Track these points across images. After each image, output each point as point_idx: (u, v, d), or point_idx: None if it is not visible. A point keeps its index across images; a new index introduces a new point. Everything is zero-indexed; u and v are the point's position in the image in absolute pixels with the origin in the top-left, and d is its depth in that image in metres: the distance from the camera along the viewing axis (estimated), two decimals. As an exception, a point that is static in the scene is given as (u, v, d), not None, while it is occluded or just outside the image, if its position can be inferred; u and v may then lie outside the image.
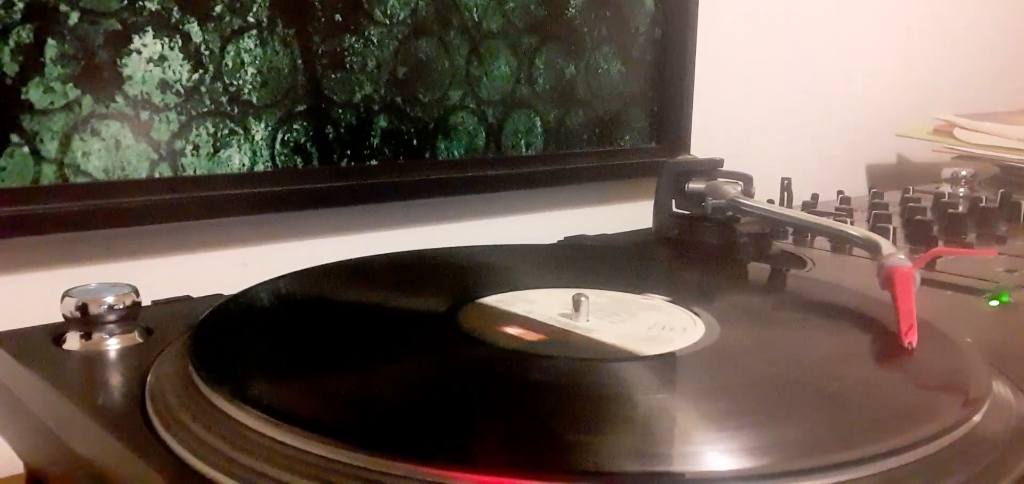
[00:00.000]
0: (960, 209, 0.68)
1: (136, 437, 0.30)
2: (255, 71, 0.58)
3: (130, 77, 0.53)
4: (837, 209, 0.69)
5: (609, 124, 0.76)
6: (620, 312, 0.40)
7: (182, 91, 0.55)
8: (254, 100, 0.58)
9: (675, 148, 0.79)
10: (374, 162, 0.64)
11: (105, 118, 0.53)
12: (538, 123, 0.72)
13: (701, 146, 0.81)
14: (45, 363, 0.36)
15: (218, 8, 0.56)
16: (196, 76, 0.56)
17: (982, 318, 0.46)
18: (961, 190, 0.80)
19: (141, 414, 0.32)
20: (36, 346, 0.38)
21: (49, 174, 0.51)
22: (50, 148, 0.51)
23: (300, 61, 0.59)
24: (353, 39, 0.61)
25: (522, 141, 0.71)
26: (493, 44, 0.68)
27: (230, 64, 0.57)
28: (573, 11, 0.72)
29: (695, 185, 0.58)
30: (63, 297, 0.39)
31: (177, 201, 0.55)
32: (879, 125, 1.03)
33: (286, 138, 0.59)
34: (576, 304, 0.39)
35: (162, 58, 0.54)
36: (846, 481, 0.26)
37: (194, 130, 0.56)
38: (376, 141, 0.63)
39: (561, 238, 0.61)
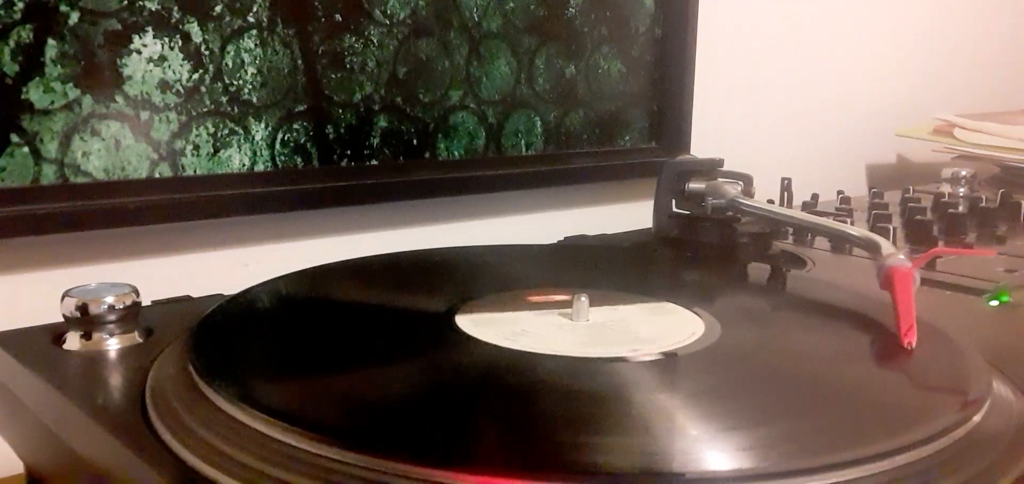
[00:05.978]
0: (960, 209, 0.68)
1: (136, 437, 0.30)
2: (255, 71, 0.58)
3: (130, 77, 0.53)
4: (837, 209, 0.69)
5: (609, 124, 0.76)
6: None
7: (182, 91, 0.55)
8: (254, 100, 0.58)
9: (675, 148, 0.79)
10: (374, 162, 0.64)
11: (105, 118, 0.53)
12: (538, 123, 0.72)
13: (701, 146, 0.81)
14: (45, 363, 0.36)
15: (218, 8, 0.56)
16: (196, 76, 0.56)
17: (982, 318, 0.46)
18: (961, 190, 0.80)
19: (141, 414, 0.32)
20: (36, 346, 0.38)
21: (49, 174, 0.51)
22: (50, 148, 0.51)
23: (300, 61, 0.59)
24: (353, 39, 0.61)
25: (522, 141, 0.71)
26: (493, 44, 0.68)
27: (230, 64, 0.57)
28: (573, 11, 0.72)
29: (695, 185, 0.58)
30: (63, 297, 0.39)
31: (177, 201, 0.55)
32: (879, 125, 1.03)
33: (286, 138, 0.59)
34: (575, 305, 0.39)
35: (162, 58, 0.54)
36: (846, 481, 0.26)
37: (194, 130, 0.56)
38: (376, 141, 0.63)
39: (561, 238, 0.61)
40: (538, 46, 0.71)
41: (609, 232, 0.63)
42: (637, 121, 0.78)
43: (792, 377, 0.35)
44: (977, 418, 0.30)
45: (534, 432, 0.29)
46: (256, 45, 0.57)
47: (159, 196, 0.55)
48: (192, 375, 0.32)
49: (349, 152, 0.62)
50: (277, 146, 0.59)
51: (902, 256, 0.42)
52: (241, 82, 0.57)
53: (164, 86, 0.55)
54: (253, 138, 0.58)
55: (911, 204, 0.70)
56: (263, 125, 0.58)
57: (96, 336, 0.38)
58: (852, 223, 0.60)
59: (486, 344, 0.36)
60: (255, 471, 0.27)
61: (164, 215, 0.55)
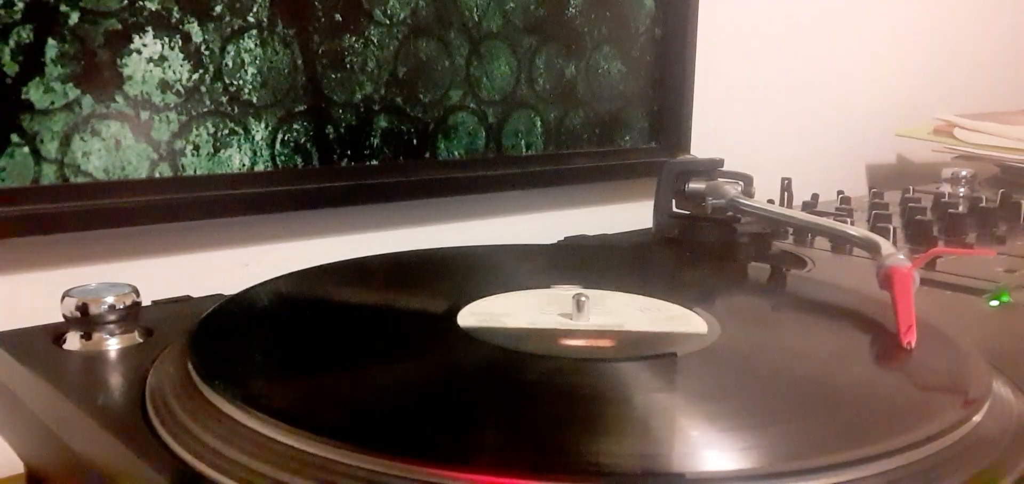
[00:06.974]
0: (960, 209, 0.68)
1: (136, 437, 0.30)
2: (255, 71, 0.58)
3: (130, 77, 0.53)
4: (837, 209, 0.69)
5: (609, 124, 0.76)
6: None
7: (182, 91, 0.55)
8: (254, 100, 0.58)
9: (675, 148, 0.79)
10: (374, 162, 0.64)
11: (105, 118, 0.53)
12: (538, 123, 0.72)
13: (701, 146, 0.81)
14: (45, 363, 0.36)
15: (218, 8, 0.56)
16: (196, 76, 0.56)
17: (982, 318, 0.46)
18: (961, 190, 0.80)
19: (141, 414, 0.32)
20: (36, 346, 0.38)
21: (49, 174, 0.51)
22: (50, 148, 0.51)
23: (300, 61, 0.59)
24: (353, 39, 0.61)
25: (522, 141, 0.71)
26: (493, 44, 0.68)
27: (230, 64, 0.57)
28: (573, 11, 0.72)
29: (695, 185, 0.58)
30: (63, 297, 0.39)
31: (177, 201, 0.55)
32: (879, 125, 1.03)
33: (286, 138, 0.59)
34: (577, 304, 0.39)
35: (162, 58, 0.54)
36: (846, 481, 0.26)
37: (194, 130, 0.56)
38: (376, 141, 0.63)
39: (561, 238, 0.61)
40: (538, 46, 0.71)
41: (609, 232, 0.63)
42: (637, 121, 0.78)
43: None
44: (977, 418, 0.30)
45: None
46: (256, 45, 0.57)
47: (159, 196, 0.55)
48: (192, 375, 0.32)
49: (349, 152, 0.62)
50: (277, 146, 0.59)
51: (902, 256, 0.42)
52: (241, 82, 0.57)
53: (164, 86, 0.55)
54: (253, 138, 0.58)
55: (911, 204, 0.70)
56: (263, 125, 0.58)
57: (96, 336, 0.38)
58: (852, 223, 0.60)
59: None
60: (255, 471, 0.27)
61: (164, 215, 0.55)
